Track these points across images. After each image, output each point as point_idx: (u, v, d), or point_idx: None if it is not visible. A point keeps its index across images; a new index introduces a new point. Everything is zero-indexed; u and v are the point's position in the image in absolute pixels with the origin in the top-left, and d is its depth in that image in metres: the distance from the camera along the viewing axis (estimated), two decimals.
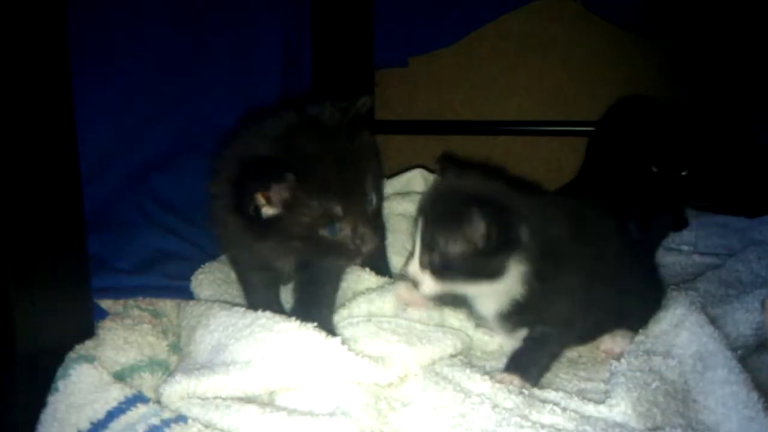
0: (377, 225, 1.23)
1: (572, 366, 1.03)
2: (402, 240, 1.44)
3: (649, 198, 1.53)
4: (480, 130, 2.03)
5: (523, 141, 2.02)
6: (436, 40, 1.97)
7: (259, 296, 1.08)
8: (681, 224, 1.55)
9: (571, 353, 1.05)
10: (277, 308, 1.07)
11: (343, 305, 1.06)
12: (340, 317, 1.04)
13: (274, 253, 0.97)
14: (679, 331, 0.98)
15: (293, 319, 0.92)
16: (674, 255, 1.46)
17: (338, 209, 0.86)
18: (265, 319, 0.93)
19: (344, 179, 0.87)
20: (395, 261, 1.40)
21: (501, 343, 1.07)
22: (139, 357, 0.93)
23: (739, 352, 0.96)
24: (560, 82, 2.02)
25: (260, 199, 0.87)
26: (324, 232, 0.88)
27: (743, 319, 1.02)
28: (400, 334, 0.98)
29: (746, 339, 0.99)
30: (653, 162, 1.44)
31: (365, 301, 1.06)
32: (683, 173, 1.43)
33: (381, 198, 1.27)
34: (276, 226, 0.88)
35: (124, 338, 0.95)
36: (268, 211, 0.87)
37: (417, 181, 1.58)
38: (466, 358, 1.03)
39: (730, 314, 1.03)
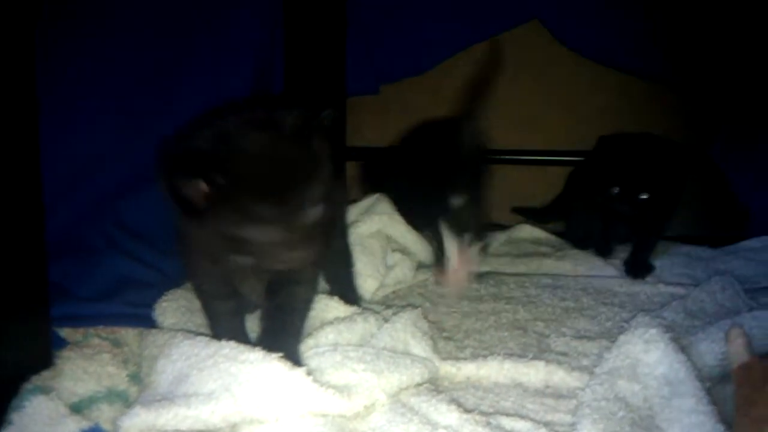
0: (336, 249, 1.23)
1: (539, 396, 1.02)
2: (375, 263, 1.45)
3: (611, 222, 1.57)
4: None
5: (494, 169, 2.04)
6: (407, 68, 1.99)
7: (224, 325, 1.05)
8: (642, 270, 1.55)
9: (537, 384, 1.05)
10: (243, 338, 1.05)
11: (309, 335, 1.05)
12: (306, 347, 1.02)
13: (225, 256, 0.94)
14: (649, 348, 0.97)
15: (258, 349, 0.90)
16: (640, 284, 1.48)
17: (267, 212, 0.83)
18: (228, 349, 0.91)
19: (282, 184, 0.84)
20: (368, 284, 1.40)
21: (468, 375, 1.07)
22: (98, 388, 0.90)
23: (708, 384, 0.96)
24: (532, 110, 2.05)
25: (187, 189, 0.83)
26: (250, 233, 0.85)
27: (708, 350, 1.02)
28: (367, 362, 0.97)
29: (711, 370, 1.00)
30: (615, 182, 1.48)
31: (333, 330, 1.05)
32: (643, 197, 1.46)
33: (340, 218, 1.27)
34: (206, 220, 0.85)
35: (82, 368, 0.92)
36: (193, 200, 0.84)
37: (381, 204, 1.57)
38: (433, 386, 1.02)
39: (695, 345, 1.04)
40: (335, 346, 1.00)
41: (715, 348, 1.01)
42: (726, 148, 1.84)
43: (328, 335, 1.04)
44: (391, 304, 1.37)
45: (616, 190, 1.48)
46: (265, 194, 0.83)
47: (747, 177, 1.78)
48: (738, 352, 0.88)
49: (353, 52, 1.93)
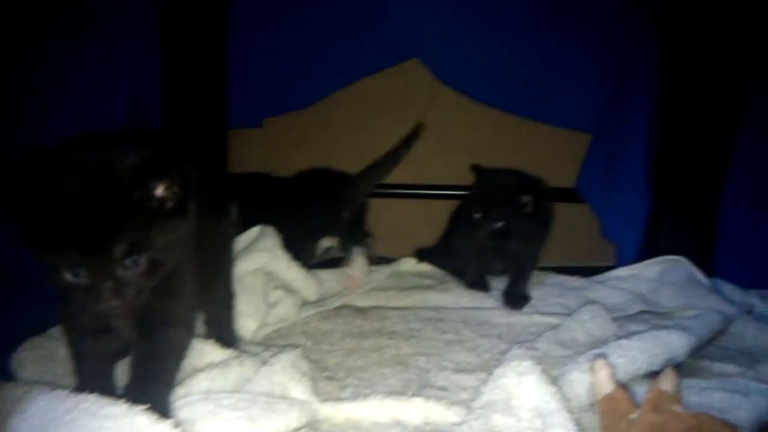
0: (218, 289, 1.22)
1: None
2: (255, 302, 1.40)
3: (486, 255, 1.65)
4: None
5: (379, 203, 2.06)
6: (291, 102, 1.98)
7: (89, 370, 0.98)
8: (519, 301, 1.60)
9: (416, 421, 1.05)
10: (108, 386, 0.98)
11: (181, 383, 1.00)
12: (176, 396, 0.96)
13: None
14: (522, 380, 0.99)
15: (121, 402, 0.84)
16: (517, 315, 1.53)
17: (74, 255, 0.81)
18: (89, 402, 0.85)
19: (92, 229, 0.81)
20: (248, 324, 1.36)
21: (347, 416, 1.05)
22: None
23: (577, 415, 0.99)
24: (414, 145, 2.08)
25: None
26: (65, 273, 0.83)
27: (577, 379, 1.06)
28: (241, 409, 0.93)
29: (580, 399, 1.03)
30: (477, 210, 1.58)
31: (206, 378, 1.01)
32: (498, 225, 1.56)
33: (221, 256, 1.24)
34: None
35: None
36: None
37: (263, 240, 1.54)
38: (312, 429, 1.00)
39: (566, 375, 1.07)
40: (208, 394, 0.96)
41: (583, 377, 1.04)
42: (591, 185, 1.95)
43: (200, 383, 1.00)
44: (272, 344, 1.34)
45: (478, 215, 1.57)
46: (74, 240, 0.80)
47: (611, 211, 1.90)
48: (602, 382, 0.91)
49: (236, 85, 1.90)
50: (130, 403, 0.84)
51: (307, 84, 1.99)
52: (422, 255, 1.86)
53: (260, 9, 1.90)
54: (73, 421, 0.82)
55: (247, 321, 1.36)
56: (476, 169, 1.67)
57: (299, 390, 1.05)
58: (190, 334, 1.02)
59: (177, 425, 0.83)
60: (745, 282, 1.68)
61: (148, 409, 0.84)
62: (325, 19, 1.90)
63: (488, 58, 1.92)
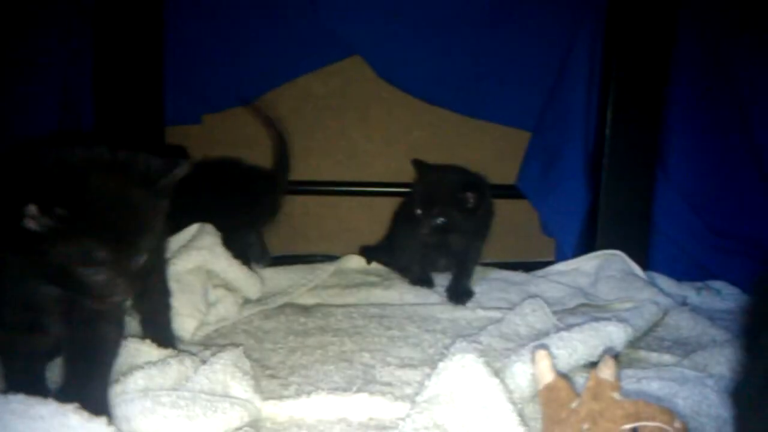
0: (152, 287, 1.19)
1: (363, 428, 1.01)
2: (194, 301, 1.37)
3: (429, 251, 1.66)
4: None
5: (322, 201, 2.04)
6: (229, 99, 1.94)
7: (19, 369, 0.95)
8: (463, 296, 1.61)
9: (360, 417, 1.04)
10: (39, 385, 0.95)
11: (117, 381, 0.96)
12: (113, 394, 0.93)
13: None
14: (466, 374, 0.99)
15: (51, 401, 0.81)
16: (461, 310, 1.54)
17: (102, 254, 0.83)
18: (17, 403, 0.81)
19: (121, 229, 0.85)
20: (187, 324, 1.32)
21: (291, 414, 1.04)
22: None
23: (519, 406, 1.00)
24: (357, 143, 2.08)
25: (31, 209, 0.80)
26: (82, 270, 0.83)
27: (520, 371, 1.07)
28: (181, 407, 0.90)
29: (522, 390, 1.05)
30: (419, 205, 1.59)
31: (143, 376, 0.97)
32: (438, 221, 1.56)
33: (160, 262, 1.20)
34: (38, 246, 0.82)
35: None
36: (30, 224, 0.80)
37: (202, 237, 1.49)
38: (254, 428, 0.98)
39: (509, 367, 1.09)
40: (145, 392, 0.93)
41: (525, 369, 1.05)
42: (531, 182, 1.99)
43: (137, 381, 0.96)
44: (212, 343, 1.31)
45: (419, 211, 1.57)
46: (104, 239, 0.83)
47: (550, 208, 1.94)
48: (543, 373, 0.92)
49: (173, 81, 1.85)
50: (60, 402, 0.81)
51: (244, 80, 1.95)
52: (367, 253, 1.85)
53: (195, 4, 1.86)
54: (1, 423, 0.78)
55: (185, 321, 1.32)
56: (417, 164, 1.66)
57: (241, 388, 1.03)
58: (121, 328, 1.00)
59: (110, 423, 0.80)
60: (679, 275, 1.74)
61: (80, 407, 0.81)
62: (260, 15, 1.87)
63: (428, 56, 1.93)
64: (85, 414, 0.80)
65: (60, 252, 0.81)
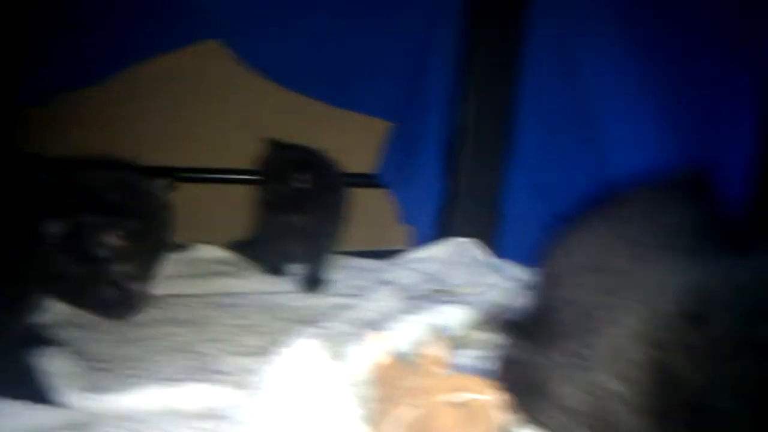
0: None
1: (199, 419, 0.97)
2: None
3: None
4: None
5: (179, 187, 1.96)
6: (78, 80, 1.82)
7: None
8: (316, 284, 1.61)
9: (195, 407, 1.00)
10: None
11: None
12: None
13: None
14: (306, 358, 0.98)
15: None
16: (314, 298, 1.53)
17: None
18: None
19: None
20: None
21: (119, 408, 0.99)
22: None
23: (358, 387, 1.00)
24: (216, 129, 2.02)
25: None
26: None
27: (357, 354, 1.06)
28: None
29: (361, 372, 1.04)
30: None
31: None
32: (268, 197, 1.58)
33: None
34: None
35: None
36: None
37: None
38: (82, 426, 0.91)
39: (348, 349, 1.08)
40: None
41: (363, 351, 1.05)
42: (392, 172, 2.01)
43: None
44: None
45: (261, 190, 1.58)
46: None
47: (410, 197, 1.97)
48: (375, 353, 0.93)
49: (23, 59, 1.71)
50: None
51: (96, 59, 1.84)
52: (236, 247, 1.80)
53: None
54: None
55: None
56: (268, 142, 1.63)
57: (65, 383, 0.96)
58: None
59: None
60: (528, 260, 1.82)
61: None
62: None
63: (291, 42, 1.90)
64: None
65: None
